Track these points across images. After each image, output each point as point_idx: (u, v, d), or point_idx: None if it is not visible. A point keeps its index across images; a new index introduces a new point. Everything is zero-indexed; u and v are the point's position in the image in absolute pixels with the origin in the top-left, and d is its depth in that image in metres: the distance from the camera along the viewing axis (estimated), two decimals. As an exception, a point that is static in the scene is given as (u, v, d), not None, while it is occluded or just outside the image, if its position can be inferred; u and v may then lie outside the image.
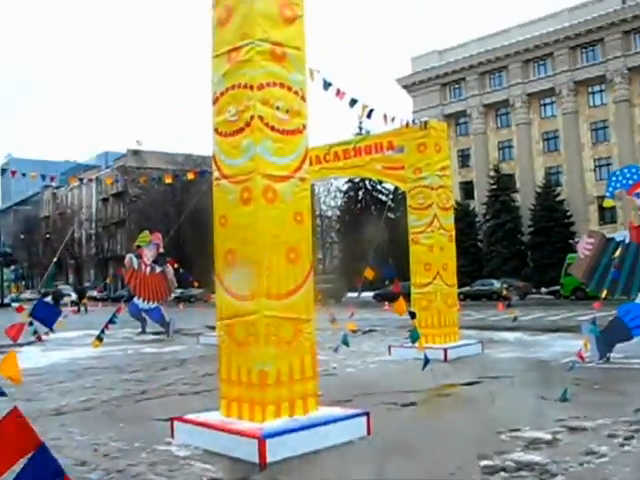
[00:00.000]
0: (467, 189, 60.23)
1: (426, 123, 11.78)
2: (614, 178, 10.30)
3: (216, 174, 6.27)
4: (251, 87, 5.90)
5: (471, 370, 9.86)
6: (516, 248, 51.26)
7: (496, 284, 41.84)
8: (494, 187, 53.66)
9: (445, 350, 11.11)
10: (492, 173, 54.39)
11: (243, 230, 5.89)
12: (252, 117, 5.86)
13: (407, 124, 11.24)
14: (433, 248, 11.58)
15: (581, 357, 8.54)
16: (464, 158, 61.50)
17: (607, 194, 10.51)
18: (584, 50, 53.94)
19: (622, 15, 50.95)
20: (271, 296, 5.76)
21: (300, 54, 6.26)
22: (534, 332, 15.76)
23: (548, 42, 54.41)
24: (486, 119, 59.56)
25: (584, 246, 10.50)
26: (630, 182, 10.10)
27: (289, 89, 6.09)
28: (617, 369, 9.30)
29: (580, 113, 53.85)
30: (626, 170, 10.31)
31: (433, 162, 11.78)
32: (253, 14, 5.93)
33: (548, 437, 5.53)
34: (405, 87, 63.66)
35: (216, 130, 6.28)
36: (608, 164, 50.76)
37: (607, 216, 49.66)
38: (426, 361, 7.42)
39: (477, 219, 55.59)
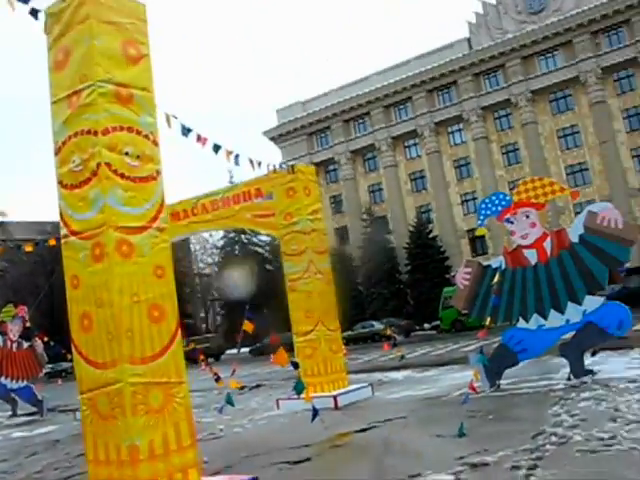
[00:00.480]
0: (342, 234, 60.88)
1: (293, 167, 11.54)
2: (483, 206, 10.40)
3: (64, 231, 5.59)
4: (95, 133, 5.34)
5: (363, 415, 9.45)
6: (395, 287, 52.16)
7: (376, 325, 42.44)
8: (368, 230, 54.56)
9: (335, 397, 10.67)
10: (365, 216, 55.40)
11: (97, 290, 5.24)
12: (98, 165, 5.28)
13: (274, 169, 10.95)
14: (312, 294, 11.14)
15: (473, 389, 8.40)
16: (336, 204, 62.41)
17: (478, 222, 10.62)
18: (440, 92, 56.72)
19: (470, 59, 54.00)
20: (135, 361, 5.13)
21: (148, 95, 5.77)
22: (422, 368, 15.65)
23: (406, 87, 56.84)
24: (354, 164, 60.96)
25: (462, 276, 10.46)
26: (499, 208, 10.23)
27: (138, 133, 5.56)
28: (508, 395, 9.20)
29: (443, 152, 56.29)
30: (494, 197, 10.46)
31: (303, 206, 11.45)
32: (93, 54, 5.41)
33: (451, 479, 5.19)
34: (272, 139, 64.23)
35: (60, 183, 5.63)
36: (474, 198, 53.16)
37: (478, 247, 51.78)
38: (314, 412, 6.98)
39: (354, 263, 56.16)
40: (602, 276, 9.58)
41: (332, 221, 61.21)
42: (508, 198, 10.27)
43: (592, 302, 9.67)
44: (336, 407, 10.51)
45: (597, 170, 48.21)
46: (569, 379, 9.64)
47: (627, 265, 10.48)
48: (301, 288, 11.20)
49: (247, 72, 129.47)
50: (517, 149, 53.32)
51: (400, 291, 52.30)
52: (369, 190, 60.74)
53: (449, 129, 56.63)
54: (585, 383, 9.10)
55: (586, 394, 8.02)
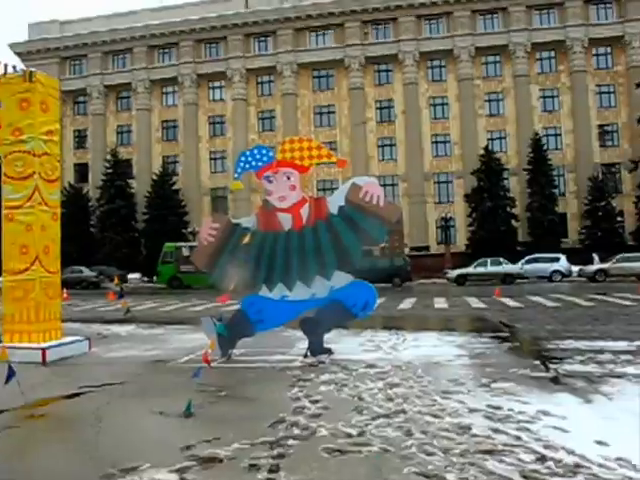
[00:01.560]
0: (82, 172, 57.11)
1: (31, 74, 9.54)
2: (243, 158, 9.32)
3: None
4: None
5: (75, 376, 8.04)
6: (130, 235, 49.93)
7: (86, 272, 40.83)
8: (110, 171, 51.37)
9: (43, 350, 9.08)
10: (109, 157, 52.01)
11: None
12: None
13: (5, 70, 8.99)
14: (32, 227, 9.20)
15: (207, 361, 7.40)
16: (80, 139, 58.34)
17: (235, 175, 9.54)
18: (208, 45, 55.10)
19: (244, 18, 53.12)
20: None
21: None
22: (149, 324, 14.32)
23: (174, 31, 54.32)
24: (107, 100, 57.15)
25: (207, 231, 9.30)
26: (260, 164, 9.27)
27: None
28: (241, 369, 8.31)
29: (200, 105, 54.85)
30: (256, 151, 9.40)
31: (37, 123, 9.41)
32: None
33: (174, 478, 4.17)
34: (19, 54, 57.55)
35: None
36: (223, 157, 52.76)
37: (220, 207, 51.29)
38: (10, 373, 5.57)
39: (90, 204, 52.82)
40: (355, 253, 9.13)
41: (73, 156, 57.37)
42: (271, 154, 9.33)
43: (340, 279, 9.15)
44: (44, 362, 8.94)
45: (345, 152, 50.16)
46: (306, 356, 9.06)
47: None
48: (20, 219, 9.23)
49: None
50: (274, 117, 53.67)
51: (135, 239, 50.15)
52: (117, 130, 57.34)
53: (211, 84, 55.28)
54: (323, 363, 8.60)
55: (325, 377, 7.42)
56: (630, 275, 32.84)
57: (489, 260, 35.73)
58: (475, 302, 20.42)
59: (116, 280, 14.73)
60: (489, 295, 23.00)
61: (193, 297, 25.30)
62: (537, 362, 8.16)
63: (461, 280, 34.66)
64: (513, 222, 46.06)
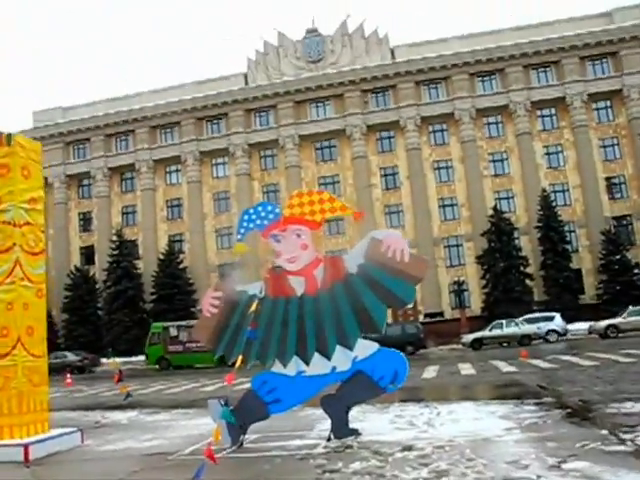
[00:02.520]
0: (88, 254, 56.66)
1: (10, 136, 8.71)
2: (246, 217, 8.18)
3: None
4: None
5: (61, 477, 6.91)
6: (138, 316, 48.86)
7: (70, 356, 40.19)
8: (116, 253, 50.80)
9: (26, 446, 7.90)
10: (114, 238, 51.49)
11: None
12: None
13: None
14: (13, 306, 8.11)
15: (211, 457, 6.01)
16: (86, 222, 58.08)
17: (237, 237, 8.34)
18: (210, 122, 55.35)
19: (244, 94, 53.49)
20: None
21: None
22: (152, 410, 13.01)
23: (176, 111, 54.70)
24: (111, 182, 57.18)
25: (209, 301, 8.17)
26: (265, 222, 8.13)
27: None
28: (253, 460, 6.99)
29: (204, 182, 54.64)
30: (260, 208, 8.29)
31: (18, 190, 8.44)
32: None
33: None
34: (23, 141, 57.87)
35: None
36: (229, 233, 51.99)
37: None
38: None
39: (97, 286, 52.06)
40: (380, 317, 7.81)
41: (79, 239, 57.07)
42: (277, 211, 8.19)
43: (364, 348, 7.87)
44: (27, 460, 7.76)
45: (352, 222, 49.33)
46: (329, 439, 7.75)
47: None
48: (-1, 297, 8.28)
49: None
50: (278, 190, 53.27)
51: (143, 320, 49.05)
52: (122, 211, 57.14)
53: (213, 160, 55.29)
54: (350, 448, 7.25)
55: (356, 465, 6.10)
56: None
57: (504, 322, 34.29)
58: (504, 365, 19.15)
59: (113, 363, 13.60)
60: (515, 357, 21.73)
61: (203, 377, 23.99)
62: (604, 432, 6.84)
63: (477, 345, 33.19)
64: (528, 281, 44.90)
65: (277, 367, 7.99)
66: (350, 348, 7.82)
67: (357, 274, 7.91)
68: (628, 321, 31.82)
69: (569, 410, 8.80)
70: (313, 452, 7.19)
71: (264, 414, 8.00)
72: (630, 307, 33.13)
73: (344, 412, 7.98)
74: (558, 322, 34.50)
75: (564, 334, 34.07)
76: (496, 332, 33.59)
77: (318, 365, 7.87)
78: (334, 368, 7.89)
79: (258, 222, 8.14)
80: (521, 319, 35.08)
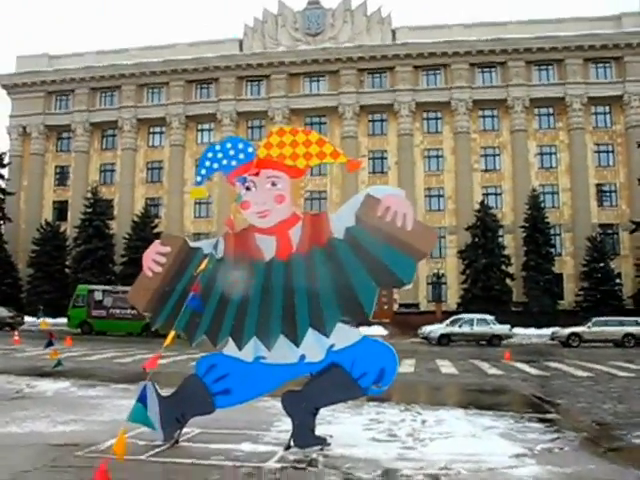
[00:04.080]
0: (61, 209, 55.03)
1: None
2: (210, 154, 6.46)
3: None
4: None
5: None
6: (106, 277, 47.22)
7: (1, 311, 37.86)
8: (90, 210, 49.03)
9: None
10: (89, 195, 49.69)
11: None
12: None
13: None
14: None
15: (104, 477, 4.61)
16: (62, 176, 56.29)
17: (197, 178, 6.70)
18: (199, 86, 53.66)
19: (238, 61, 51.84)
20: None
21: None
22: (89, 382, 11.40)
23: (165, 71, 52.89)
24: (91, 138, 55.42)
25: (153, 257, 6.58)
26: (233, 163, 6.42)
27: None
28: (185, 467, 5.50)
29: (187, 148, 53.02)
30: (229, 144, 6.50)
31: None
32: None
33: None
34: (5, 87, 56.00)
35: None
36: (208, 202, 50.50)
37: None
38: None
39: (68, 243, 50.34)
40: (368, 298, 6.11)
41: (53, 193, 55.42)
42: (250, 150, 6.45)
43: (344, 334, 6.18)
44: None
45: (335, 203, 48.00)
46: (288, 447, 6.24)
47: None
48: None
49: None
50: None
51: (110, 282, 47.45)
52: (101, 169, 55.52)
53: (199, 126, 53.74)
54: (313, 464, 5.69)
55: None
56: (605, 341, 30.68)
57: (475, 319, 32.76)
58: (487, 367, 17.96)
59: (42, 323, 12.12)
60: (495, 358, 20.70)
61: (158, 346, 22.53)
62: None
63: (444, 340, 31.59)
64: (508, 281, 43.96)
65: (230, 349, 6.38)
66: (326, 334, 6.17)
67: (344, 239, 6.21)
68: (592, 331, 31.14)
69: (585, 434, 7.37)
70: (264, 466, 5.65)
71: (208, 407, 6.44)
72: (594, 317, 32.53)
73: (311, 415, 6.35)
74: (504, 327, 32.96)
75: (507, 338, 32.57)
76: (465, 329, 32.21)
77: (283, 351, 6.26)
78: (303, 357, 6.26)
79: (224, 162, 6.46)
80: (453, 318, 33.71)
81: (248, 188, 6.41)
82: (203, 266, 6.10)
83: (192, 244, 6.68)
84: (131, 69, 53.41)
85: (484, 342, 31.55)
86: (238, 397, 6.43)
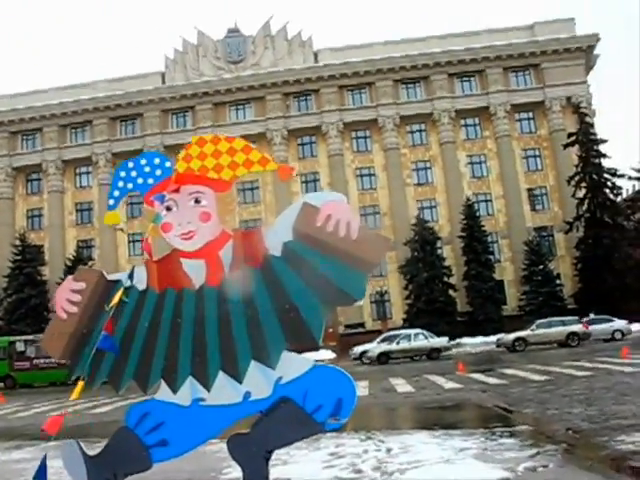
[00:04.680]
0: (-12, 259, 52.53)
1: None
2: (123, 173, 5.38)
3: None
4: None
5: None
6: (42, 326, 45.27)
7: None
8: (19, 258, 47.19)
9: None
10: (17, 242, 47.86)
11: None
12: None
13: None
14: None
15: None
16: (-13, 225, 53.83)
17: (110, 202, 5.33)
18: (124, 122, 52.71)
19: (161, 94, 51.13)
20: None
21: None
22: (12, 442, 9.71)
23: (88, 109, 51.77)
24: (15, 183, 53.54)
25: (66, 297, 5.35)
26: (149, 180, 5.37)
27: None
28: None
29: (116, 186, 51.65)
30: (143, 160, 5.39)
31: None
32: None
33: None
34: None
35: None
36: (140, 240, 49.16)
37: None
38: None
39: (-2, 295, 48.28)
40: (315, 320, 5.13)
41: (-21, 243, 52.96)
42: (167, 165, 5.37)
43: (291, 364, 5.25)
44: None
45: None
46: None
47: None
48: None
49: None
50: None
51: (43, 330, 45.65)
52: (27, 215, 53.61)
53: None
54: None
55: None
56: (550, 342, 30.80)
57: (412, 334, 32.18)
58: (443, 381, 17.26)
59: None
60: (450, 371, 20.27)
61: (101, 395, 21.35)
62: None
63: (383, 359, 30.69)
64: (451, 292, 44.03)
65: (164, 393, 5.31)
66: (271, 365, 5.19)
67: (282, 256, 5.25)
68: (536, 334, 31.11)
69: (565, 445, 6.75)
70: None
71: (144, 463, 5.33)
72: (538, 320, 32.63)
73: (262, 460, 5.28)
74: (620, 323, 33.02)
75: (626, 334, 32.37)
76: (404, 345, 31.46)
77: (224, 390, 5.22)
78: (248, 394, 5.23)
79: (139, 181, 5.41)
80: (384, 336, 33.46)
81: (168, 208, 5.35)
82: (116, 299, 5.12)
83: (110, 277, 5.49)
84: (51, 110, 52.03)
85: (422, 356, 31.15)
86: (177, 448, 5.35)
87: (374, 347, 32.10)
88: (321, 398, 5.03)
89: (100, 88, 52.24)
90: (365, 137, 51.03)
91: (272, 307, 5.17)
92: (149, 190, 5.29)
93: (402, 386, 16.92)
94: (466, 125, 50.60)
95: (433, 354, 30.86)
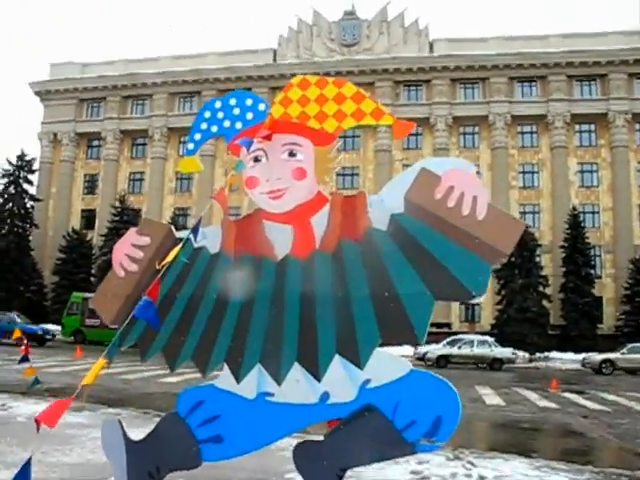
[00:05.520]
0: (89, 217, 54.55)
1: None
2: (208, 114, 4.44)
3: None
4: None
5: None
6: (130, 288, 46.34)
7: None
8: (117, 219, 48.31)
9: None
10: (117, 204, 49.01)
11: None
12: None
13: None
14: None
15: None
16: (91, 184, 55.76)
17: (189, 146, 4.48)
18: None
19: (271, 71, 51.45)
20: None
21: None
22: (72, 404, 9.07)
23: (197, 80, 52.50)
24: (121, 146, 54.87)
25: (127, 252, 4.45)
26: (237, 124, 4.36)
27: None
28: None
29: (218, 157, 51.88)
30: (233, 100, 4.39)
31: None
32: None
33: None
34: (38, 94, 55.95)
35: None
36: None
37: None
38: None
39: (94, 252, 49.60)
40: (422, 313, 3.98)
41: (82, 201, 54.86)
42: (262, 108, 4.30)
43: (384, 366, 4.12)
44: None
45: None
46: None
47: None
48: None
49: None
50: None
51: (135, 293, 46.70)
52: (130, 178, 54.89)
53: (229, 136, 52.85)
54: None
55: None
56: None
57: (476, 340, 30.90)
58: (535, 397, 16.26)
59: (16, 334, 10.27)
60: (540, 387, 19.16)
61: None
62: None
63: (442, 362, 29.34)
64: (545, 303, 42.21)
65: (225, 380, 4.39)
66: (359, 364, 4.09)
67: (389, 231, 4.14)
68: (626, 358, 28.96)
69: None
70: None
71: (192, 460, 4.39)
72: (630, 344, 30.34)
73: (334, 478, 4.19)
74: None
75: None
76: (465, 351, 30.16)
77: (298, 387, 4.23)
78: (326, 395, 4.20)
79: (226, 124, 4.40)
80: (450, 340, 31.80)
81: (256, 159, 4.35)
82: (171, 257, 3.87)
83: (179, 234, 4.52)
84: (162, 77, 52.88)
85: (484, 365, 29.83)
86: (233, 448, 4.42)
87: (435, 349, 30.98)
88: (416, 412, 4.02)
89: (210, 60, 52.80)
90: (473, 133, 49.54)
91: (368, 292, 4.11)
92: (237, 134, 4.32)
93: (490, 397, 15.90)
94: (580, 131, 48.26)
95: (495, 364, 29.54)
